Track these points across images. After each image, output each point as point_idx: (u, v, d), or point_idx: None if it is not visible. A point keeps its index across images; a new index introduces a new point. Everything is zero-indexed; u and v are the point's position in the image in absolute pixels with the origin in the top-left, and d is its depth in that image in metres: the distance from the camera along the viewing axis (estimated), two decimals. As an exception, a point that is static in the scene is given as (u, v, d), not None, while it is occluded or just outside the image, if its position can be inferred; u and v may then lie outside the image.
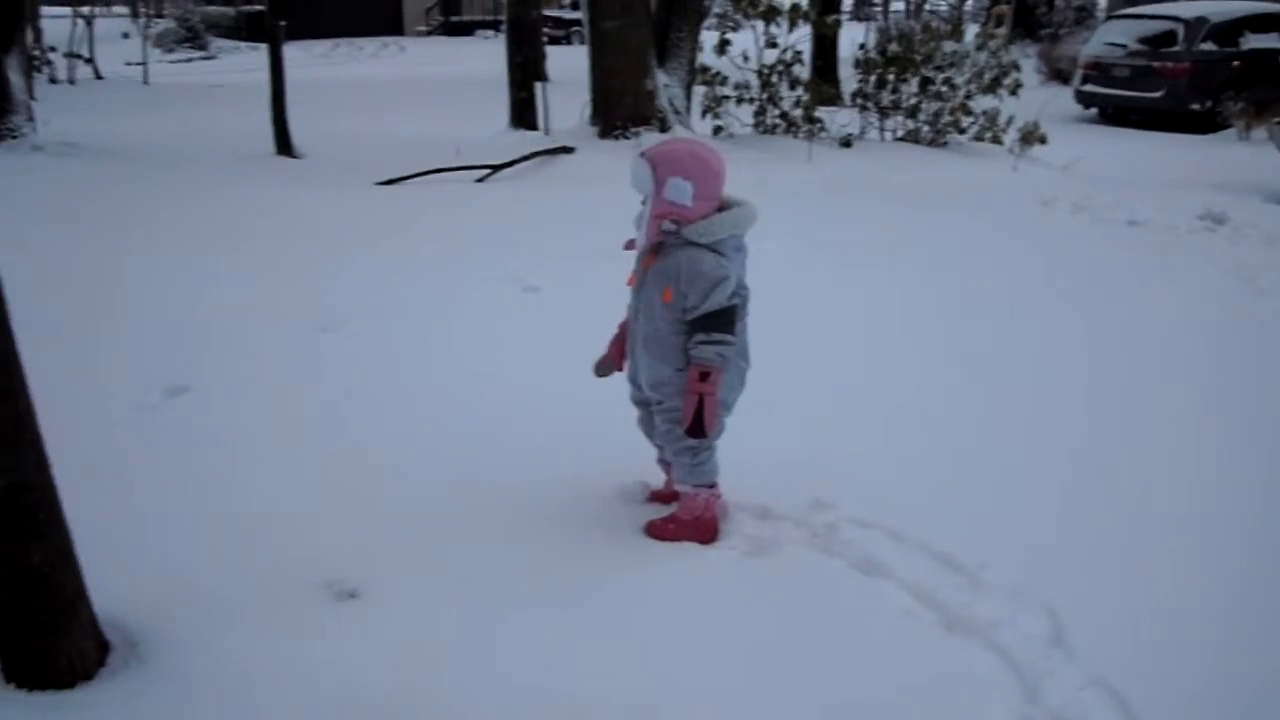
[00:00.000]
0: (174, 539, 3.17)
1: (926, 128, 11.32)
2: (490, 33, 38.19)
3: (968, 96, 11.25)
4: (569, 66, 12.93)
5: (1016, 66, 11.45)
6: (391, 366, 4.65)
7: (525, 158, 9.70)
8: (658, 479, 3.54)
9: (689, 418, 3.10)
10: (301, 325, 5.08)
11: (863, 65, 11.39)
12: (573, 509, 3.46)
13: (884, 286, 6.12)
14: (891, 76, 11.23)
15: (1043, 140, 10.93)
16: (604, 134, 10.35)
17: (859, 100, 11.47)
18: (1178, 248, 7.45)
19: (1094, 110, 17.46)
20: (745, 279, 3.18)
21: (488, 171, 9.48)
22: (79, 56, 22.63)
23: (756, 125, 11.46)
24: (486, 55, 29.69)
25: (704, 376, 3.08)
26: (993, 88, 11.17)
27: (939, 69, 11.10)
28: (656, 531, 3.36)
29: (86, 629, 2.61)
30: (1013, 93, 11.21)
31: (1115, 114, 16.94)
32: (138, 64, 23.99)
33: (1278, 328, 5.70)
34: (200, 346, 4.77)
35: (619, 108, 10.35)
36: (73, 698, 2.52)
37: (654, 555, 3.24)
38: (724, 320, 3.06)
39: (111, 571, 2.71)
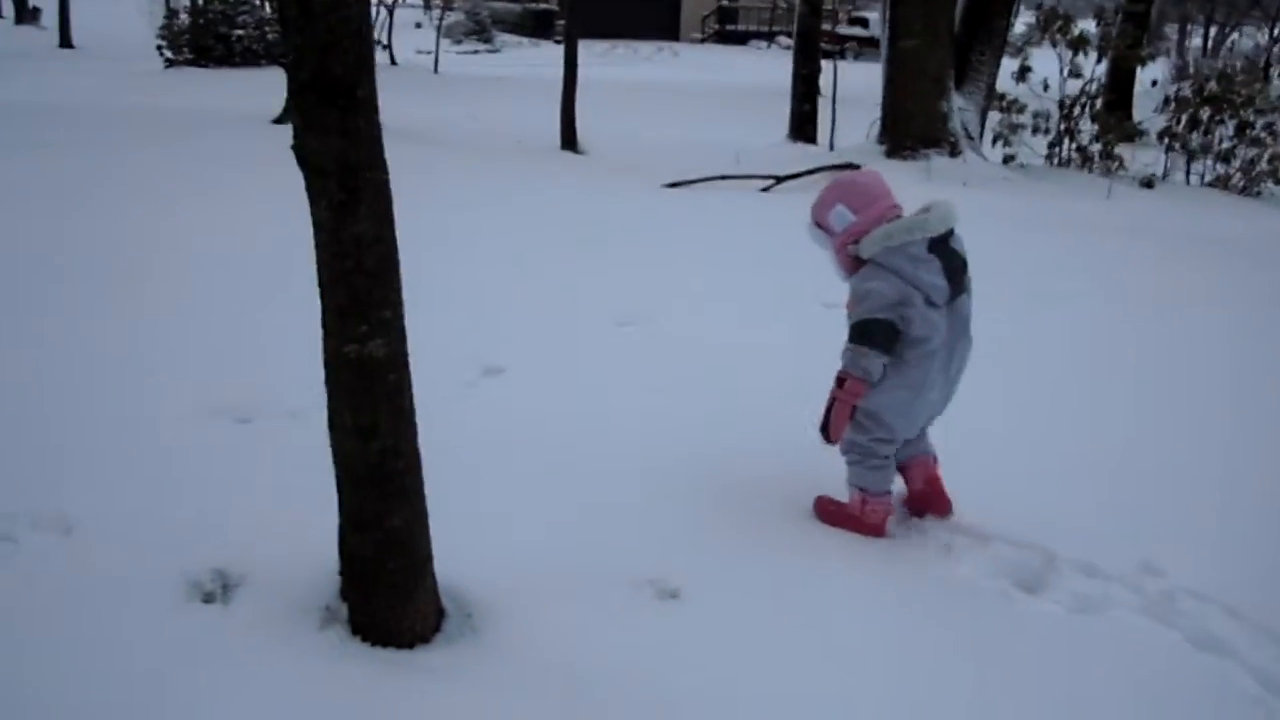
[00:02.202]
0: (507, 517, 3.25)
1: (1239, 175, 10.58)
2: (764, 44, 38.34)
3: (1289, 143, 10.49)
4: (847, 83, 12.75)
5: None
6: (702, 364, 4.66)
7: (811, 171, 9.63)
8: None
9: (822, 418, 3.32)
10: (604, 319, 5.17)
11: (1175, 103, 10.76)
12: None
13: (1197, 341, 5.72)
14: (1205, 117, 10.55)
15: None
16: (891, 153, 10.16)
17: (1166, 139, 10.83)
18: None
19: None
20: (941, 285, 3.15)
21: (772, 182, 9.48)
22: (378, 43, 23.98)
23: (1049, 158, 11.02)
24: (760, 66, 29.91)
25: (840, 382, 3.26)
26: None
27: (1260, 112, 10.36)
28: (821, 509, 3.48)
29: (430, 594, 2.71)
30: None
31: None
32: (428, 53, 25.27)
33: None
34: (514, 333, 4.92)
35: (910, 128, 10.14)
36: (414, 658, 2.61)
37: (980, 600, 3.11)
38: (862, 332, 3.18)
39: (451, 542, 2.79)
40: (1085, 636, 2.98)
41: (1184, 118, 10.70)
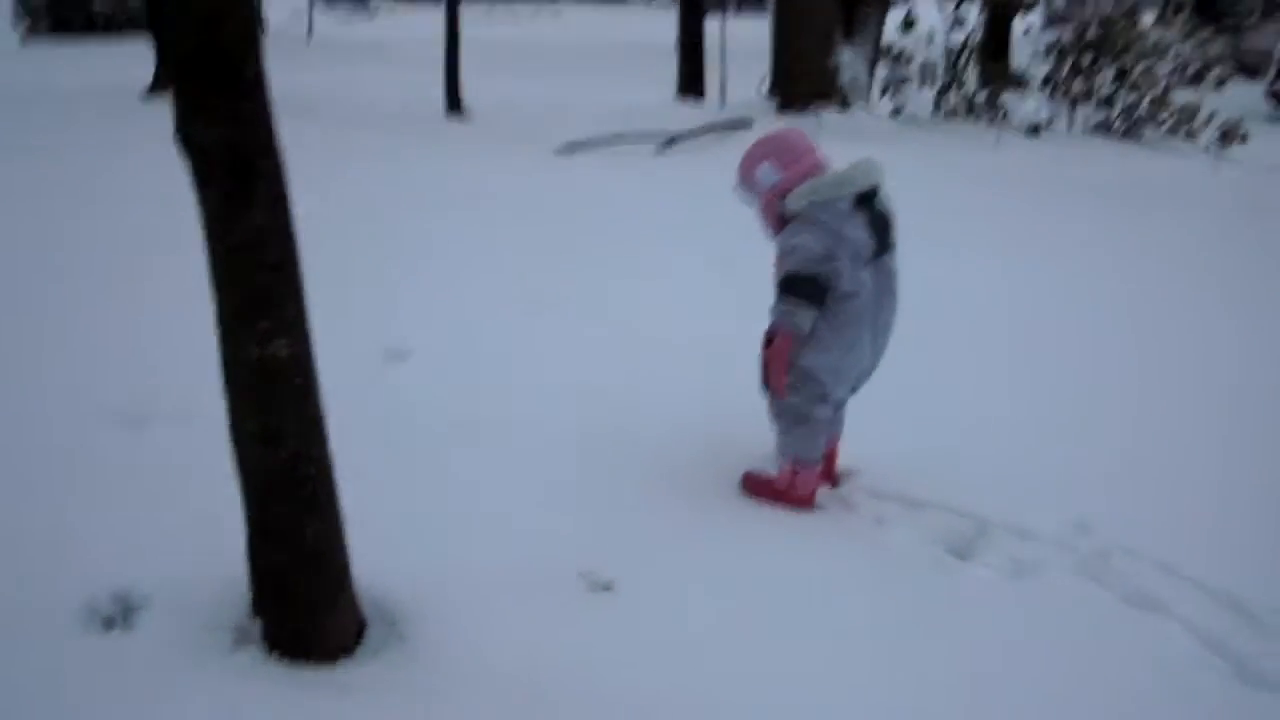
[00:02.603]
0: (424, 515, 3.09)
1: (1120, 120, 10.78)
2: (646, 1, 38.07)
3: (1166, 89, 10.69)
4: (734, 38, 12.64)
5: (1223, 59, 10.84)
6: (619, 339, 4.53)
7: (705, 129, 9.53)
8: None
9: (761, 377, 3.32)
10: (515, 307, 5.00)
11: (1057, 50, 10.90)
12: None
13: (1100, 287, 5.79)
14: (1085, 64, 10.71)
15: (1244, 139, 10.36)
16: (782, 108, 10.11)
17: (1050, 87, 10.97)
18: None
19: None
20: (867, 241, 3.12)
21: (666, 142, 9.35)
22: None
23: (936, 108, 11.09)
24: (644, 24, 29.66)
25: (769, 340, 3.24)
26: (1195, 81, 10.59)
27: (1139, 57, 10.55)
28: (749, 484, 3.44)
29: (350, 605, 2.55)
30: (1218, 87, 10.62)
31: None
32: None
33: None
34: (415, 316, 4.72)
35: (800, 83, 10.10)
36: (338, 675, 2.45)
37: (915, 570, 3.06)
38: (790, 285, 3.12)
39: (368, 545, 2.63)
40: (1021, 600, 2.96)
41: (1066, 65, 10.84)
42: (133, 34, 20.16)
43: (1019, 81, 10.87)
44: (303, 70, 14.58)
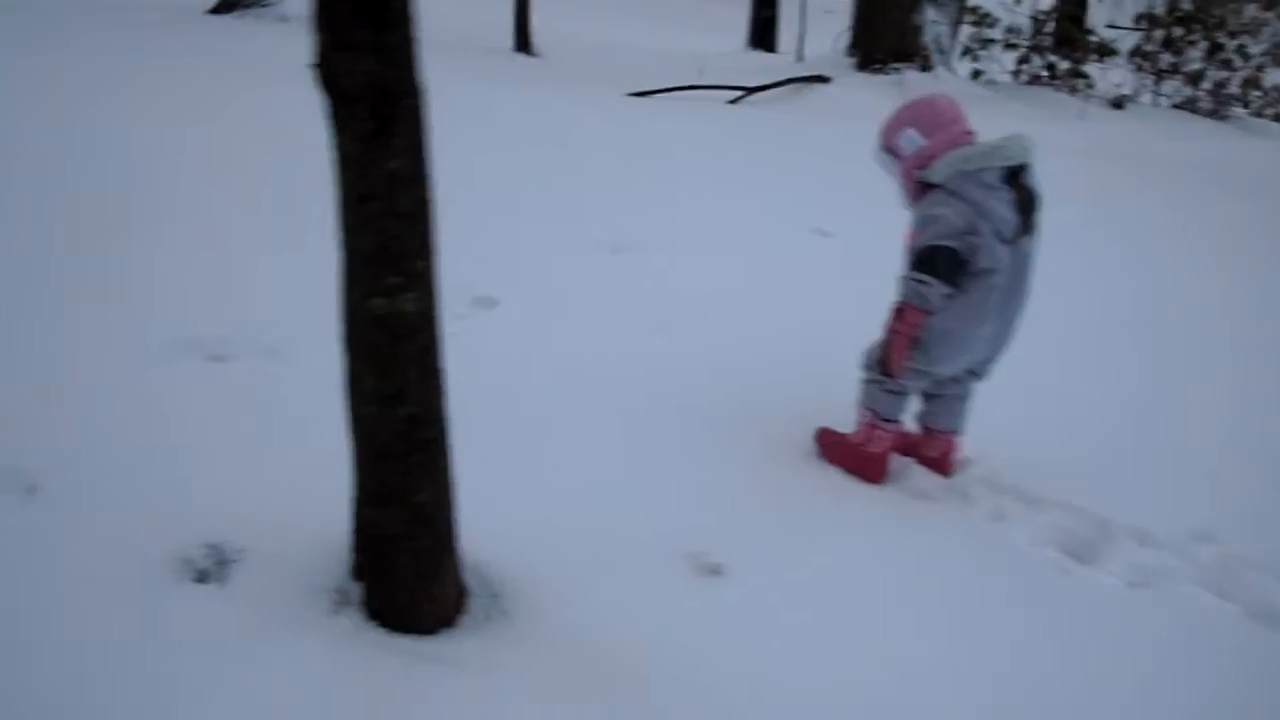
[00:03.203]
0: (523, 477, 2.95)
1: (1207, 97, 10.40)
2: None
3: (1259, 68, 10.31)
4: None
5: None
6: (703, 297, 4.36)
7: (781, 82, 9.27)
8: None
9: (879, 351, 3.15)
10: (595, 246, 4.82)
11: (1147, 21, 10.52)
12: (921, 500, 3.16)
13: (1212, 285, 5.49)
14: (1177, 36, 10.33)
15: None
16: (862, 66, 9.80)
17: (1137, 59, 10.59)
18: None
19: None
20: (1010, 219, 2.96)
21: (741, 94, 9.10)
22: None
23: (1017, 74, 10.75)
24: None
25: (899, 313, 3.05)
26: (1291, 61, 10.22)
27: (1232, 34, 10.16)
28: (824, 444, 3.30)
29: (455, 574, 2.42)
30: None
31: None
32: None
33: None
34: (501, 258, 4.54)
35: (882, 41, 9.78)
36: (442, 647, 2.33)
37: (1037, 572, 2.90)
38: (925, 258, 2.97)
39: (469, 510, 2.49)
40: (1145, 611, 2.81)
41: (1156, 37, 10.46)
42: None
43: (1106, 50, 10.48)
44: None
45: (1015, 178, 2.96)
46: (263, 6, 10.49)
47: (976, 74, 10.53)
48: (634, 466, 3.11)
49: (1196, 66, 10.41)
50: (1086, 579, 2.91)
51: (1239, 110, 10.50)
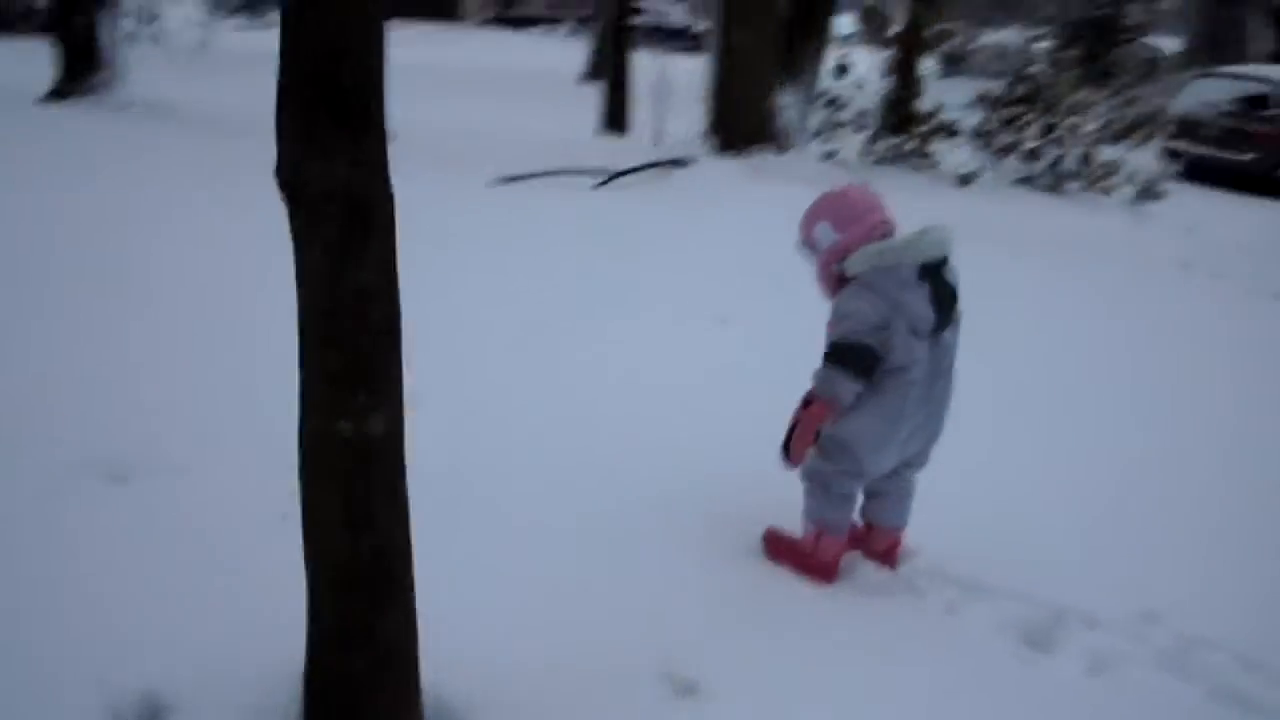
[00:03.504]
0: (473, 594, 2.76)
1: (1046, 173, 10.94)
2: (543, 28, 37.85)
3: (1093, 144, 10.90)
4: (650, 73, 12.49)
5: (1152, 118, 11.12)
6: (632, 396, 4.25)
7: (648, 165, 9.32)
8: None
9: (784, 438, 3.07)
10: (498, 340, 4.67)
11: (990, 103, 11.03)
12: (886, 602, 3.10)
13: (1098, 354, 5.65)
14: (1016, 116, 10.85)
15: (1158, 196, 10.65)
16: (723, 148, 9.96)
17: (982, 138, 11.06)
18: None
19: (1175, 168, 17.06)
20: (927, 315, 2.92)
21: (607, 177, 9.11)
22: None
23: (867, 154, 11.10)
24: (548, 51, 29.41)
25: (806, 403, 3.02)
26: (1124, 137, 10.82)
27: (1068, 114, 10.74)
28: (771, 545, 3.23)
29: (418, 711, 2.23)
30: (1145, 142, 10.89)
31: (1198, 174, 16.54)
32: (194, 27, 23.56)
33: None
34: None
35: (742, 124, 9.96)
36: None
37: (998, 665, 2.86)
38: (838, 353, 2.94)
39: (432, 640, 2.31)
40: (1108, 697, 2.79)
41: (995, 117, 10.97)
42: (25, 33, 19.04)
43: (949, 130, 10.92)
44: (199, 79, 14.03)
45: (933, 271, 2.94)
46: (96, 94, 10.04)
47: (829, 155, 10.82)
48: (573, 570, 2.97)
49: (1034, 144, 10.93)
50: (1046, 667, 2.88)
51: (1072, 185, 11.04)
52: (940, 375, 3.04)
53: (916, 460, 3.17)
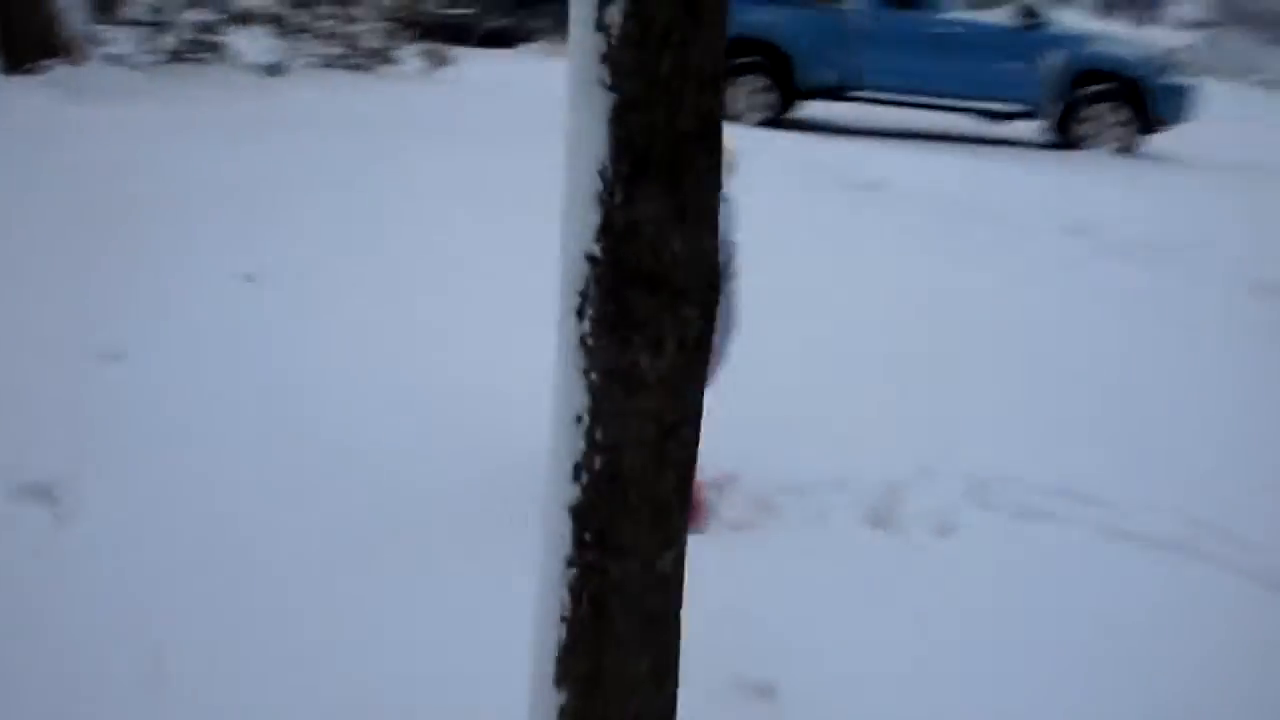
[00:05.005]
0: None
1: (349, 52, 10.75)
2: None
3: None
4: None
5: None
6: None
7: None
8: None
9: None
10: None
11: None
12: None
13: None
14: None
15: (444, 61, 11.15)
16: (13, 68, 8.33)
17: (276, 24, 10.43)
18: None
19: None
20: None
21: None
22: None
23: (153, 52, 9.94)
24: None
25: None
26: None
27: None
28: None
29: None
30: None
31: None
32: None
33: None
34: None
35: (30, 38, 8.39)
36: None
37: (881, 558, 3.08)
38: None
39: None
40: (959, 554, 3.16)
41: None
42: None
43: (242, 18, 10.09)
44: None
45: None
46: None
47: (115, 58, 9.51)
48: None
49: (329, 28, 10.65)
50: (897, 537, 3.17)
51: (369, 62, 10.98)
52: None
53: None
